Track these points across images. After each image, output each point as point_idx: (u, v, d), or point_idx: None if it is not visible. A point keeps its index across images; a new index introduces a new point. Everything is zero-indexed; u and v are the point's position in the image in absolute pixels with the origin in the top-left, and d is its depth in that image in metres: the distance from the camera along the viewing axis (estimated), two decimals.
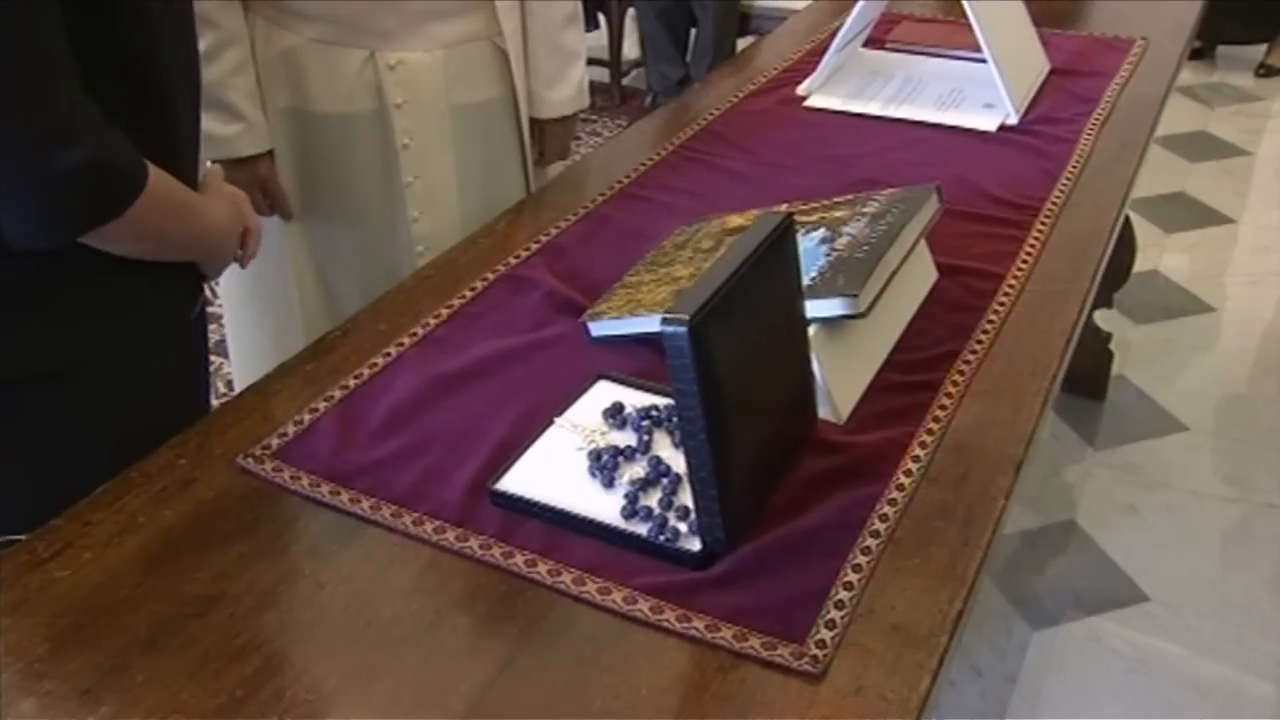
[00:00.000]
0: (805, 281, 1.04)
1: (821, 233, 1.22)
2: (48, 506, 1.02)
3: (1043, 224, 1.47)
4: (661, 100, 4.05)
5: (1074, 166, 1.62)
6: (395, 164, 1.64)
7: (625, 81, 4.40)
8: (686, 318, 0.81)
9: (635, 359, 1.19)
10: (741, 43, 4.02)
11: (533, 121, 1.78)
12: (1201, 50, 4.71)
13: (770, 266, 0.94)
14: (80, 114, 0.98)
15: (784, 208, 1.37)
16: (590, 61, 4.12)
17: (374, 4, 1.54)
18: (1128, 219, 2.33)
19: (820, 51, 1.97)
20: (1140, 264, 2.67)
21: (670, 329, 0.82)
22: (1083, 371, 2.54)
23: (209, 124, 1.48)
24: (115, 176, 1.02)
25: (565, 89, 1.78)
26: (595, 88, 4.30)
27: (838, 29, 1.92)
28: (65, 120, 0.97)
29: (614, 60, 4.34)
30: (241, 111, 1.58)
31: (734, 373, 0.88)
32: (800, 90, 1.89)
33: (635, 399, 1.11)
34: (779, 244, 0.95)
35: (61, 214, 1.00)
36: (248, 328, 1.83)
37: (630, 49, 4.38)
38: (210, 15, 1.51)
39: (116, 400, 1.15)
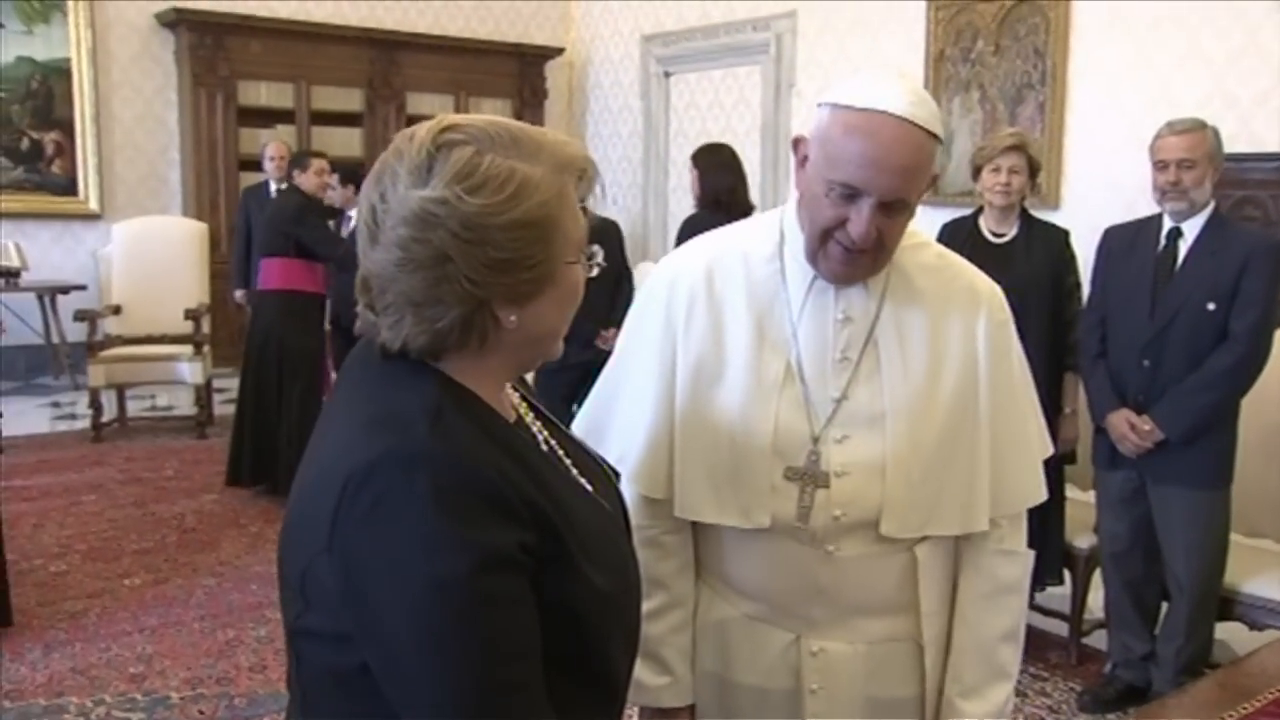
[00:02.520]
0: None
1: None
2: None
3: None
4: (1121, 672, 3.77)
5: None
6: None
7: (1085, 640, 4.17)
8: None
9: None
10: (1220, 627, 3.70)
11: None
12: None
13: None
14: None
15: None
16: (1050, 613, 4.01)
17: (806, 595, 1.64)
18: None
19: None
20: None
21: None
22: None
23: (641, 672, 1.61)
24: None
25: (984, 705, 1.68)
26: (1052, 641, 4.16)
27: None
28: None
29: (1075, 617, 4.16)
30: (672, 667, 1.70)
31: None
32: None
33: None
34: None
35: None
36: None
37: (1096, 607, 4.18)
38: (666, 579, 1.68)
39: None
